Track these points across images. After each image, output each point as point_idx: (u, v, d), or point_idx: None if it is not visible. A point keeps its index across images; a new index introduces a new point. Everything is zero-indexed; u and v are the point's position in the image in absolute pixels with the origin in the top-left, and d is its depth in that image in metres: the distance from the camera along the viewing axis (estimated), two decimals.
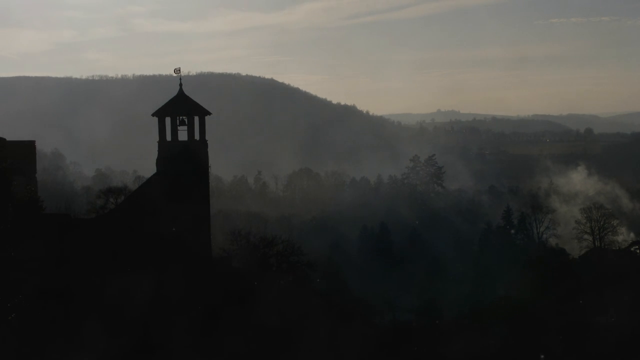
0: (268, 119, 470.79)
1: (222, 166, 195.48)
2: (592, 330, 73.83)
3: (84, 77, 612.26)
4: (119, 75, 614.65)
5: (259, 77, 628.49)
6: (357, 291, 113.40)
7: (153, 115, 73.67)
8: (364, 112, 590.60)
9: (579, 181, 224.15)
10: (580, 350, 71.28)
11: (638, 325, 74.92)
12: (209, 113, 73.83)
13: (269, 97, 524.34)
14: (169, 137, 72.69)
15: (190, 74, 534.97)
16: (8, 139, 70.00)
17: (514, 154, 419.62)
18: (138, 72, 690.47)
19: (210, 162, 74.79)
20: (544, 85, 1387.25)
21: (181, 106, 73.06)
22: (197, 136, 72.71)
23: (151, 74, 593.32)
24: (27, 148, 71.81)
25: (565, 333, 73.64)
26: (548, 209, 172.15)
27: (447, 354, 71.32)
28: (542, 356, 69.80)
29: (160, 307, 61.30)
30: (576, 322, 75.64)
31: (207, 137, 73.94)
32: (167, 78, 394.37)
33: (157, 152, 72.91)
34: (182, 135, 72.53)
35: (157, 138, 73.13)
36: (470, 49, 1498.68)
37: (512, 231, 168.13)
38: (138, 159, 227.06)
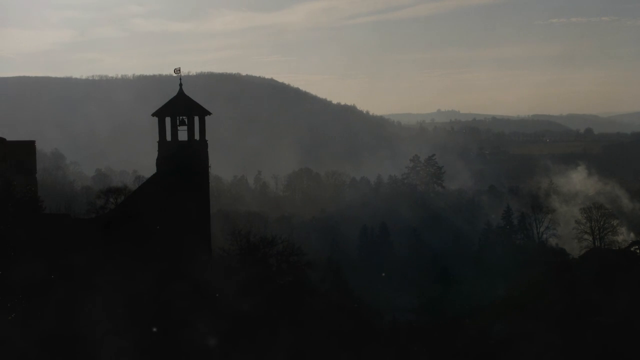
0: (268, 119, 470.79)
1: (222, 166, 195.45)
2: (591, 330, 73.82)
3: (84, 77, 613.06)
4: (119, 75, 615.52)
5: (259, 77, 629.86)
6: (357, 291, 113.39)
7: (153, 115, 73.64)
8: (364, 112, 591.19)
9: (579, 181, 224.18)
10: (580, 351, 71.28)
11: (638, 326, 74.92)
12: (209, 113, 73.81)
13: (269, 97, 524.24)
14: (169, 137, 72.64)
15: (190, 74, 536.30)
16: (8, 139, 70.04)
17: (514, 154, 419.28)
18: (138, 72, 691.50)
19: (210, 162, 74.76)
20: (544, 85, 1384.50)
21: (181, 106, 73.03)
22: (197, 136, 72.68)
23: (151, 74, 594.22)
24: (27, 148, 71.79)
25: (564, 333, 73.62)
26: (548, 209, 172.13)
27: (447, 354, 71.32)
28: None
29: (160, 307, 61.27)
30: (575, 322, 75.64)
31: (207, 137, 73.90)
32: (167, 78, 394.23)
33: (157, 152, 72.90)
34: (182, 135, 72.47)
35: (157, 138, 73.11)
36: (470, 49, 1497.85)
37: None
38: (138, 159, 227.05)
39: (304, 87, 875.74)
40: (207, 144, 73.79)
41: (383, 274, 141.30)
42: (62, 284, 56.74)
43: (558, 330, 74.01)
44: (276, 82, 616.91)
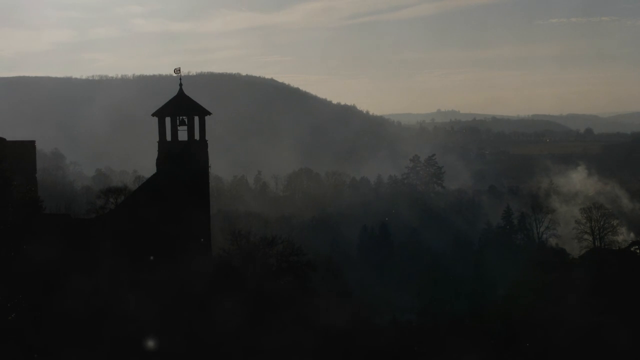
0: (268, 119, 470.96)
1: (222, 166, 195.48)
2: (592, 330, 73.82)
3: (83, 77, 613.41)
4: (119, 75, 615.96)
5: (259, 77, 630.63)
6: (357, 291, 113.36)
7: (153, 115, 73.64)
8: (364, 112, 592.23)
9: (579, 181, 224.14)
10: (580, 350, 71.30)
11: (638, 326, 74.93)
12: (209, 113, 73.81)
13: (268, 97, 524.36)
14: (169, 137, 72.62)
15: (190, 74, 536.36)
16: (8, 139, 69.99)
17: (514, 154, 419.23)
18: (138, 72, 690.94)
19: (210, 162, 74.75)
20: (544, 85, 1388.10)
21: (181, 106, 73.02)
22: (197, 136, 72.67)
23: (151, 74, 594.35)
24: (27, 148, 71.76)
25: (563, 333, 73.66)
26: (548, 209, 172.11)
27: (446, 354, 71.31)
28: None
29: (162, 307, 61.32)
30: (576, 322, 75.65)
31: (207, 137, 73.89)
32: (167, 78, 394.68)
33: (157, 152, 72.89)
34: (182, 135, 72.46)
35: (157, 138, 73.11)
36: (470, 49, 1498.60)
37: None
38: (138, 159, 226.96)
39: (304, 87, 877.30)
40: (207, 144, 73.76)
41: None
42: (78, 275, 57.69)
43: (557, 331, 74.10)
44: (276, 82, 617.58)
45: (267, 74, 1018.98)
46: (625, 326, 73.96)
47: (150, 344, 57.90)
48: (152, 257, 65.07)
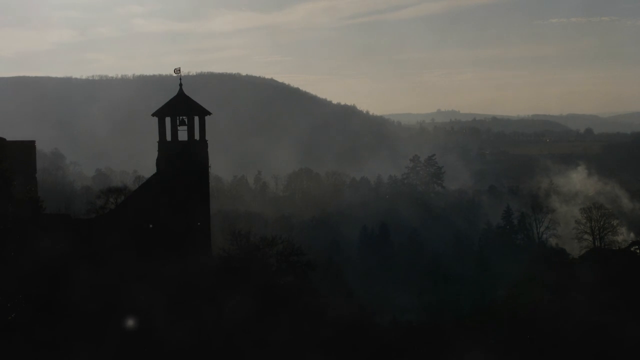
0: (268, 119, 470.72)
1: (222, 166, 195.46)
2: (597, 327, 73.81)
3: (84, 77, 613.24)
4: (119, 75, 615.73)
5: (259, 77, 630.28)
6: (357, 291, 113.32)
7: (153, 115, 73.71)
8: (364, 112, 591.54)
9: (579, 181, 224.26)
10: (580, 351, 71.28)
11: (637, 326, 74.87)
12: (209, 113, 73.86)
13: (269, 97, 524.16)
14: (169, 137, 72.72)
15: (190, 74, 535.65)
16: (8, 139, 70.05)
17: (514, 154, 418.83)
18: (138, 72, 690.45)
19: (210, 162, 74.82)
20: (544, 85, 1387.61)
21: (181, 106, 73.09)
22: (197, 136, 72.75)
23: (151, 74, 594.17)
24: (27, 148, 71.89)
25: (564, 333, 73.62)
26: (548, 209, 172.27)
27: (447, 354, 71.29)
28: None
29: (162, 307, 61.33)
30: (576, 322, 75.64)
31: (207, 137, 73.97)
32: (167, 78, 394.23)
33: (157, 152, 72.96)
34: (182, 135, 72.60)
35: (157, 138, 73.18)
36: (470, 49, 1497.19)
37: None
38: (138, 159, 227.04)
39: (304, 87, 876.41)
40: (207, 144, 73.83)
41: None
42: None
43: (557, 331, 74.03)
44: (276, 82, 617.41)
45: (267, 74, 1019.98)
46: (631, 324, 73.91)
47: (130, 323, 57.92)
48: (150, 225, 65.19)
